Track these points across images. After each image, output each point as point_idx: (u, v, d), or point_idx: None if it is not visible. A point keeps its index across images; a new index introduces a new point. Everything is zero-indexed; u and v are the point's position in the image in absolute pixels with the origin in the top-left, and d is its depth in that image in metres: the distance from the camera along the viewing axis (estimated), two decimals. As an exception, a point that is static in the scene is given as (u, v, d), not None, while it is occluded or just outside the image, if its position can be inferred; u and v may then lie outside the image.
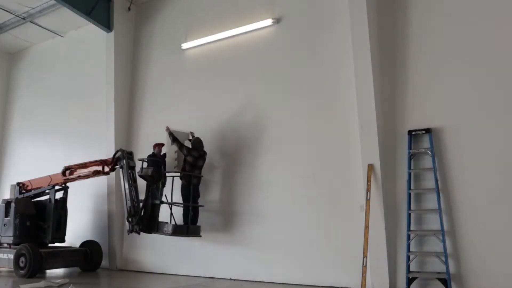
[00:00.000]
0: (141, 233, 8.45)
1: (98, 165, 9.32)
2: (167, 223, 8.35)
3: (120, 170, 8.85)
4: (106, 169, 9.27)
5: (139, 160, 8.69)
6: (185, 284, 8.00)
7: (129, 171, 8.67)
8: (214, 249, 8.97)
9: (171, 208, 8.43)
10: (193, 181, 8.43)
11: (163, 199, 8.51)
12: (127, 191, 8.49)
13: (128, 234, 8.63)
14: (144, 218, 8.31)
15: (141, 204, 8.46)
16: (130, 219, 8.31)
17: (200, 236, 8.57)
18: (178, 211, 8.51)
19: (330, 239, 7.59)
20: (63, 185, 10.07)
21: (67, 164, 10.09)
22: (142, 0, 11.27)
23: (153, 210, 8.40)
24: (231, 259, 8.73)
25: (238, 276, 8.50)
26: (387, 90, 7.41)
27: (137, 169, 8.75)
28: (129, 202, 8.38)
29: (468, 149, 6.67)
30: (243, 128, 9.03)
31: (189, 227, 8.38)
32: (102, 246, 10.20)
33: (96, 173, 9.42)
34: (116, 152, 9.01)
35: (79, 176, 9.74)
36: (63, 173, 9.86)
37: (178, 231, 8.27)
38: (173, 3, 10.79)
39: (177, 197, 8.57)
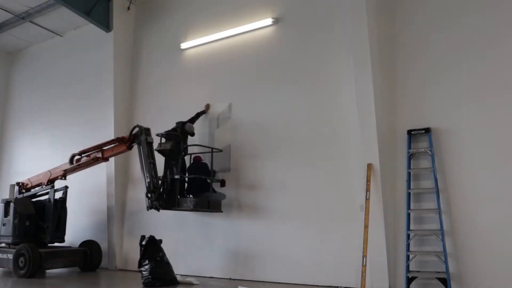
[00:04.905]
0: (161, 210, 8.17)
1: (114, 143, 9.13)
2: (187, 197, 8.21)
3: (137, 146, 8.57)
4: (109, 153, 9.25)
5: (157, 135, 8.48)
6: (184, 283, 7.99)
7: (147, 147, 8.43)
8: (213, 248, 8.96)
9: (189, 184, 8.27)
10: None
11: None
12: (146, 166, 8.22)
13: (148, 210, 8.29)
14: (164, 194, 8.06)
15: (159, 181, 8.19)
16: (149, 195, 8.01)
17: (222, 212, 8.43)
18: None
19: (330, 239, 7.59)
20: (63, 178, 9.99)
21: (65, 164, 10.02)
22: (142, -1, 11.30)
23: (173, 185, 8.18)
24: (230, 259, 8.72)
25: (238, 276, 8.49)
26: (386, 89, 7.41)
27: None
28: (148, 178, 8.10)
29: (467, 148, 6.67)
30: (241, 127, 9.02)
31: (210, 201, 8.16)
32: (101, 246, 10.19)
33: (95, 160, 9.37)
34: (133, 128, 8.72)
35: (79, 165, 9.66)
36: (71, 160, 9.64)
37: (199, 205, 8.06)
38: (173, 3, 10.78)
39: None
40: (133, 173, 10.59)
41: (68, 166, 9.76)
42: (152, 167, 8.28)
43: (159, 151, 8.28)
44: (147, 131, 8.66)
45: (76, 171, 9.96)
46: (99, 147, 9.40)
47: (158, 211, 8.19)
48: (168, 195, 8.13)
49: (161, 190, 8.07)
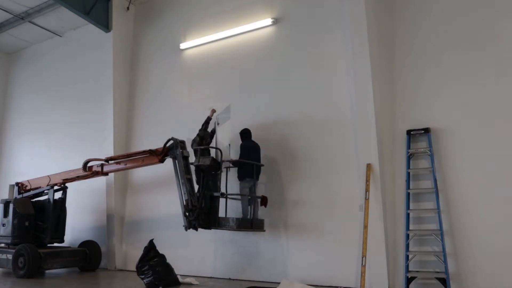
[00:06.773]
0: (188, 230, 7.76)
1: (145, 154, 8.53)
2: (229, 217, 7.81)
3: (173, 161, 8.05)
4: (106, 169, 9.16)
5: (193, 148, 8.11)
6: (184, 283, 8.00)
7: (184, 162, 7.94)
8: (212, 248, 8.97)
9: (226, 201, 7.95)
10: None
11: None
12: (183, 183, 7.74)
13: (186, 230, 7.77)
14: (202, 213, 7.63)
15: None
16: (188, 214, 7.53)
17: (264, 231, 8.07)
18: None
19: (329, 239, 7.59)
20: (62, 185, 10.03)
21: (66, 164, 10.03)
22: (141, -1, 11.30)
23: (212, 203, 7.78)
24: (229, 259, 8.73)
25: (237, 276, 8.50)
26: (386, 89, 7.42)
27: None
28: (185, 196, 7.62)
29: (467, 148, 6.69)
30: (241, 127, 9.01)
31: (253, 221, 7.78)
32: (101, 246, 10.20)
33: (95, 174, 9.37)
34: (168, 141, 8.08)
35: (78, 177, 9.69)
36: (84, 166, 9.45)
37: (243, 225, 7.67)
38: (172, 3, 10.78)
39: (230, 189, 8.15)
40: (132, 173, 10.59)
41: (67, 175, 9.72)
42: (189, 183, 7.76)
43: (197, 166, 7.84)
44: (182, 144, 8.08)
45: (74, 181, 9.91)
46: (128, 156, 9.00)
47: (197, 230, 7.73)
48: (206, 214, 7.71)
49: (201, 207, 7.62)
